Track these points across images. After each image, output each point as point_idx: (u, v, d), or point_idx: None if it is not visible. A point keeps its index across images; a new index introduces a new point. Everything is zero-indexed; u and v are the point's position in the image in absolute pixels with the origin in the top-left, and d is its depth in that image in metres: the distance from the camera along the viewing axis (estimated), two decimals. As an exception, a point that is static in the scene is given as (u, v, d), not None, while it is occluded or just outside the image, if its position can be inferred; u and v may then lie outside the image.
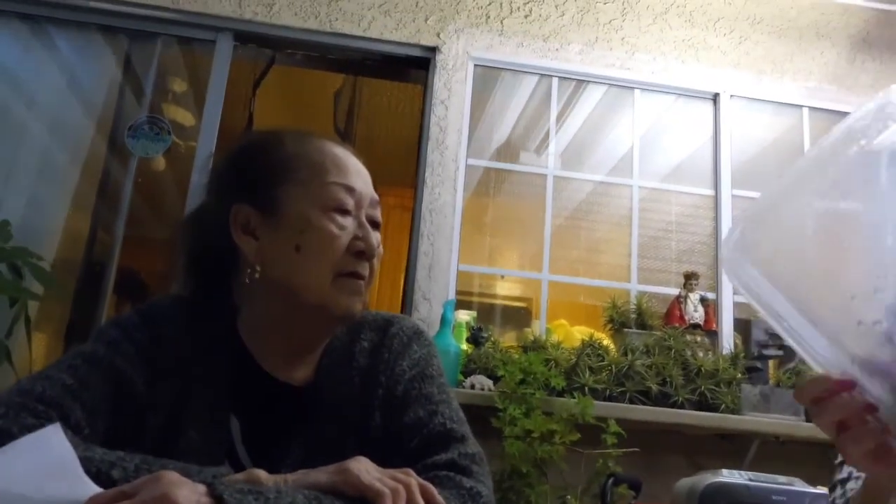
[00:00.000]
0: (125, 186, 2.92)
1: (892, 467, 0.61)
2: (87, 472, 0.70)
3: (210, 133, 2.89)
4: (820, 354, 0.63)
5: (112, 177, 3.05)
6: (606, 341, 2.65)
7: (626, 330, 2.66)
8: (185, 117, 3.31)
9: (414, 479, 0.74)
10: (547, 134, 3.28)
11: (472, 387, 2.38)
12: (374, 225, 0.98)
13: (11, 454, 0.65)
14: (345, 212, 0.95)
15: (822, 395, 0.64)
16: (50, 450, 0.65)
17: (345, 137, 3.88)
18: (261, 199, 0.95)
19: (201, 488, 0.62)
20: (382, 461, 0.78)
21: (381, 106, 4.11)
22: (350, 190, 0.96)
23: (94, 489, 0.64)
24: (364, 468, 0.73)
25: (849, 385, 0.62)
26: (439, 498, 0.75)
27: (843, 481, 0.95)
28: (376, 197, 1.00)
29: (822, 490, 1.85)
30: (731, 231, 0.67)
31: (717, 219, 3.14)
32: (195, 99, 3.34)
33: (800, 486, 1.91)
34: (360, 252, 0.94)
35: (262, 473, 0.73)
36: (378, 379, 0.97)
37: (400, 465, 0.78)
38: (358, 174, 0.98)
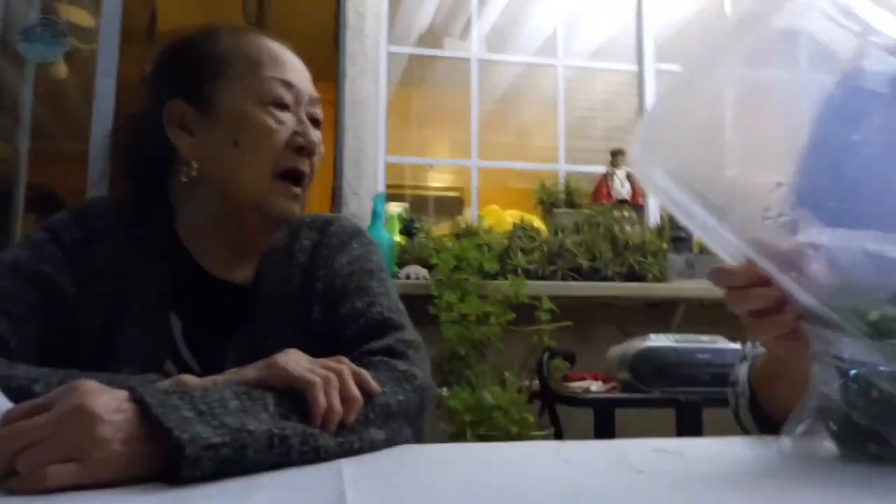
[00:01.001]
0: (24, 96, 2.74)
1: (798, 348, 0.64)
2: (8, 389, 0.68)
3: (111, 33, 2.70)
4: (729, 248, 0.64)
5: (8, 86, 2.85)
6: (537, 223, 2.69)
7: (556, 210, 2.70)
8: (82, 18, 3.07)
9: (346, 366, 0.74)
10: (469, 17, 3.18)
11: (408, 277, 2.40)
12: (315, 122, 0.96)
13: None
14: (283, 106, 0.92)
15: (737, 284, 0.66)
16: None
17: (260, 29, 3.68)
18: (196, 94, 0.92)
19: (122, 394, 0.61)
20: (322, 354, 0.77)
21: (294, -4, 3.90)
22: (288, 85, 0.93)
23: (6, 405, 0.62)
24: (293, 359, 0.73)
25: (765, 280, 0.63)
26: (372, 382, 0.76)
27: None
28: (316, 94, 0.98)
29: (740, 345, 1.96)
30: (636, 134, 0.67)
31: (641, 95, 3.15)
32: (92, -2, 3.10)
33: (721, 343, 2.02)
34: (300, 147, 0.93)
35: (190, 378, 0.72)
36: (317, 274, 0.98)
37: (337, 354, 0.79)
38: (296, 70, 0.96)
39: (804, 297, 0.61)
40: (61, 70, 3.05)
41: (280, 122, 0.92)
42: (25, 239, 0.92)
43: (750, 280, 0.65)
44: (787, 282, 0.61)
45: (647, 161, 0.66)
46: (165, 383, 0.71)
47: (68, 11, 2.97)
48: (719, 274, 0.67)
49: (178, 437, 0.57)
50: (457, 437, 2.03)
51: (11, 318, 0.82)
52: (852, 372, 0.58)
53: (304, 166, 0.94)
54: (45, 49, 2.72)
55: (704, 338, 2.02)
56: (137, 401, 0.61)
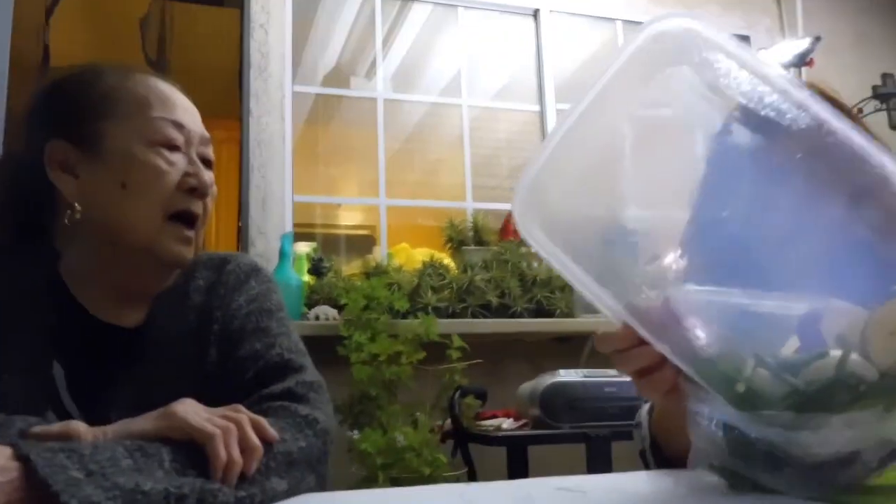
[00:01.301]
0: None
1: (679, 401, 0.67)
2: None
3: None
4: (610, 308, 0.66)
5: None
6: (447, 260, 2.70)
7: (464, 248, 2.73)
8: (-34, 53, 2.92)
9: (244, 415, 0.72)
10: (375, 57, 3.21)
11: (317, 318, 2.36)
12: (207, 163, 0.94)
13: None
14: (173, 147, 0.90)
15: (620, 348, 0.69)
16: None
17: (157, 68, 3.59)
18: (79, 134, 0.89)
19: (5, 451, 0.57)
20: (218, 399, 0.75)
21: (195, 32, 3.84)
22: (178, 125, 0.91)
23: None
24: (190, 409, 0.70)
25: (641, 340, 0.66)
26: (271, 430, 0.73)
27: None
28: (207, 135, 0.96)
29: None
30: (515, 195, 0.69)
31: (543, 133, 3.25)
32: (-23, 32, 2.95)
33: (628, 376, 2.07)
34: (192, 189, 0.90)
35: (80, 426, 0.68)
36: (213, 315, 0.94)
37: (237, 400, 0.76)
38: (185, 110, 0.93)
39: (677, 362, 0.63)
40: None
41: (170, 163, 0.89)
42: None
43: (630, 342, 0.68)
44: (660, 347, 0.64)
45: (526, 219, 0.67)
46: (55, 427, 0.68)
47: (-49, 46, 2.82)
48: (602, 340, 0.71)
49: (66, 503, 0.54)
50: (369, 480, 1.99)
51: None
52: (722, 433, 0.61)
53: (197, 208, 0.92)
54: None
55: (612, 371, 2.07)
56: (22, 458, 0.57)
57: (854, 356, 0.56)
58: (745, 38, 3.52)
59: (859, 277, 0.62)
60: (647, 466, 0.98)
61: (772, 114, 0.65)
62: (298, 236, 2.76)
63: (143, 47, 3.73)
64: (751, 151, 0.71)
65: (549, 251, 0.66)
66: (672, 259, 0.71)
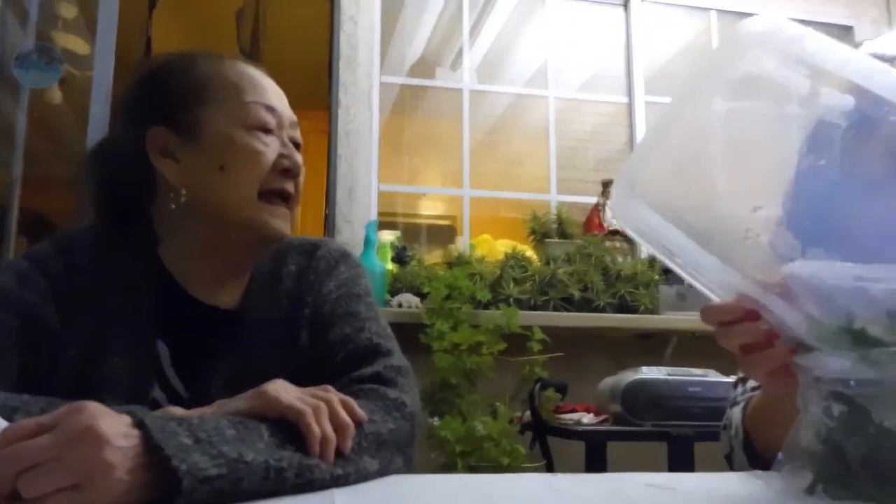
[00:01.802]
0: (19, 121, 2.74)
1: (789, 386, 0.64)
2: None
3: (106, 61, 2.72)
4: (716, 281, 0.65)
5: (2, 112, 2.85)
6: (529, 253, 2.70)
7: (547, 240, 2.71)
8: (77, 45, 3.08)
9: (334, 395, 0.74)
10: (461, 48, 3.22)
11: (400, 305, 2.39)
12: (296, 145, 0.98)
13: None
14: (267, 130, 0.93)
15: (727, 321, 0.67)
16: None
17: (251, 59, 3.69)
18: (178, 120, 0.93)
19: (125, 418, 0.60)
20: (310, 380, 0.77)
21: (287, 25, 3.94)
22: (270, 109, 0.94)
23: (5, 423, 0.60)
24: (282, 389, 0.72)
25: (754, 315, 0.64)
26: (360, 410, 0.75)
27: (745, 378, 1.01)
28: (295, 118, 0.99)
29: (734, 379, 1.97)
30: (619, 174, 0.69)
31: (631, 126, 3.19)
32: (87, 25, 3.12)
33: (714, 376, 2.02)
34: (286, 169, 0.94)
35: (176, 409, 0.71)
36: (305, 299, 0.97)
37: (328, 381, 0.78)
38: (276, 94, 0.97)
39: (791, 324, 0.61)
40: (56, 96, 3.06)
41: (265, 144, 0.92)
42: (8, 267, 0.92)
43: (738, 315, 0.66)
44: (774, 310, 0.62)
45: (629, 197, 0.67)
46: (156, 413, 0.70)
47: (64, 39, 2.98)
48: (709, 311, 0.68)
49: (177, 468, 0.57)
50: (447, 467, 2.02)
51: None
52: (828, 388, 0.59)
53: (290, 187, 0.95)
54: (40, 75, 2.72)
55: (696, 371, 2.02)
56: (139, 425, 0.60)
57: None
58: (848, 29, 3.36)
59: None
60: (732, 469, 0.96)
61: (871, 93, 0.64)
62: (382, 225, 2.81)
63: (238, 39, 3.85)
64: (848, 131, 0.70)
65: (650, 221, 0.66)
66: (783, 234, 0.69)
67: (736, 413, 0.97)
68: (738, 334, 0.67)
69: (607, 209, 2.84)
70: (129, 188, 0.97)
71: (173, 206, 0.92)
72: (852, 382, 0.58)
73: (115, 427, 0.58)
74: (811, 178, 0.69)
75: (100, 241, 0.95)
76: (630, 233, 0.69)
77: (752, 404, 0.93)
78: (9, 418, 0.68)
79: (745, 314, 0.65)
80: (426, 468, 2.07)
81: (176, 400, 0.91)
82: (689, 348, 2.60)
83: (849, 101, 0.68)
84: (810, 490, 0.61)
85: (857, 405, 0.58)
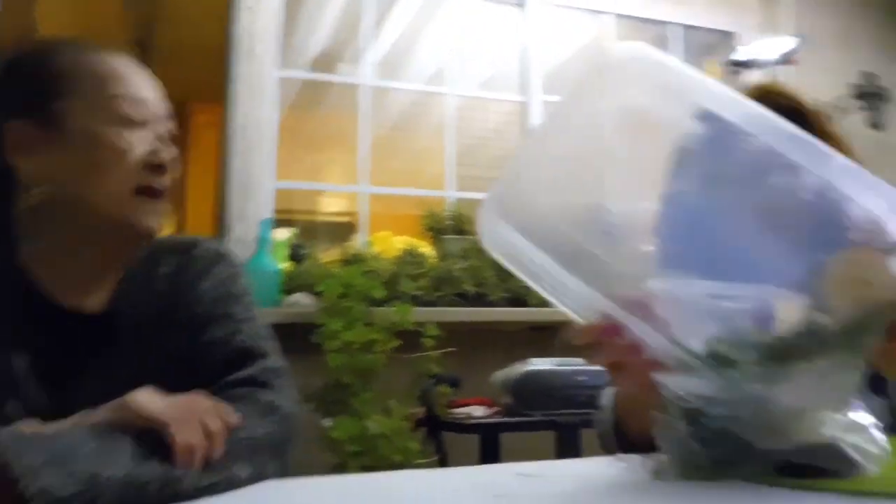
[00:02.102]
0: None
1: (654, 394, 0.67)
2: None
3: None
4: (579, 302, 0.69)
5: None
6: (426, 249, 2.72)
7: (444, 237, 2.74)
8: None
9: (204, 401, 0.73)
10: (363, 44, 3.20)
11: (293, 305, 2.37)
12: (169, 139, 0.93)
13: None
14: (136, 125, 0.89)
15: (592, 342, 0.70)
16: None
17: (144, 48, 3.57)
18: (38, 114, 0.87)
19: None
20: (184, 386, 0.76)
21: (183, 12, 3.81)
22: (140, 102, 0.90)
23: None
24: (147, 398, 0.71)
25: (615, 330, 0.67)
26: (233, 415, 0.74)
27: None
28: (168, 110, 0.95)
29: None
30: (486, 198, 0.71)
31: (528, 124, 3.25)
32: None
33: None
34: (156, 165, 0.90)
35: (31, 425, 0.68)
36: (179, 301, 0.94)
37: (203, 385, 0.77)
38: (147, 87, 0.93)
39: (651, 345, 0.65)
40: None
41: (133, 140, 0.89)
42: None
43: (598, 335, 0.69)
44: (634, 330, 0.66)
45: (496, 221, 0.70)
46: (6, 431, 0.66)
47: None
48: (576, 331, 0.72)
49: (33, 489, 0.55)
50: (340, 468, 2.01)
51: None
52: (687, 406, 0.63)
53: (161, 183, 0.91)
54: None
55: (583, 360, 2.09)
56: None
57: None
58: (729, 35, 3.53)
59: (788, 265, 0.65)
60: (605, 450, 1.00)
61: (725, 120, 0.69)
62: (279, 223, 2.76)
63: (130, 28, 3.70)
64: (705, 150, 0.74)
65: (515, 243, 0.69)
66: (647, 249, 0.73)
67: (607, 395, 1.01)
68: (604, 354, 0.70)
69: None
70: None
71: (31, 205, 0.87)
72: (707, 402, 0.62)
73: None
74: (674, 202, 0.73)
75: None
76: (496, 256, 0.71)
77: (617, 392, 0.97)
78: None
79: (604, 332, 0.68)
80: (318, 471, 2.05)
81: (35, 413, 0.87)
82: (580, 340, 2.68)
83: (707, 127, 0.71)
84: (660, 472, 0.66)
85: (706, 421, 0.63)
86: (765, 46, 3.10)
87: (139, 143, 0.89)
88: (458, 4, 3.27)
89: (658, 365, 0.66)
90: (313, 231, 3.46)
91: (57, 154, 0.87)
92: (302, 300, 2.37)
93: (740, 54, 3.09)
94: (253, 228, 2.58)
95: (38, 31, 3.34)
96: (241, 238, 2.60)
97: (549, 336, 2.68)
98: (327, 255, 2.81)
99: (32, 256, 0.90)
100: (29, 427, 0.68)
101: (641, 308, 0.66)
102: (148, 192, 0.90)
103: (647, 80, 0.73)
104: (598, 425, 1.04)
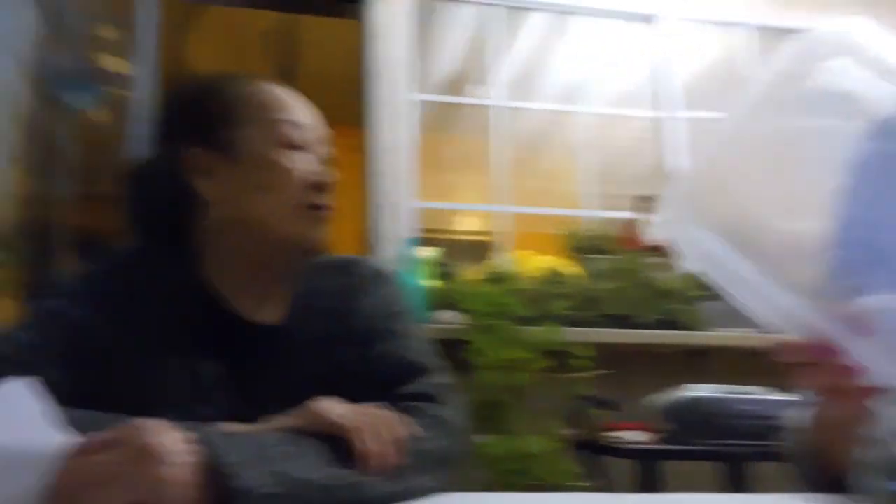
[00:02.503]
0: (65, 141, 2.79)
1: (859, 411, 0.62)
2: None
3: (146, 81, 2.77)
4: (788, 317, 0.62)
5: (50, 132, 2.90)
6: (570, 268, 2.67)
7: (588, 256, 2.69)
8: (120, 65, 3.14)
9: (381, 412, 0.75)
10: (494, 65, 3.22)
11: (440, 322, 2.38)
12: (328, 161, 0.99)
13: None
14: (299, 147, 0.95)
15: (803, 361, 0.64)
16: (18, 400, 0.61)
17: (285, 77, 3.73)
18: (215, 141, 0.94)
19: (181, 434, 0.61)
20: (352, 396, 0.77)
21: (320, 43, 3.98)
22: (302, 127, 0.96)
23: (72, 439, 0.61)
24: (331, 405, 0.73)
25: (831, 350, 0.61)
26: (407, 427, 0.76)
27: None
28: (326, 133, 1.01)
29: (785, 396, 1.93)
30: (669, 194, 0.65)
31: (662, 141, 3.17)
32: (128, 46, 3.17)
33: (763, 394, 1.98)
34: (319, 184, 0.95)
35: (230, 425, 0.72)
36: (344, 317, 0.98)
37: (369, 398, 0.79)
38: (307, 112, 0.99)
39: (873, 360, 0.59)
40: (100, 115, 3.11)
41: (298, 162, 0.94)
42: (61, 287, 0.93)
43: (815, 356, 0.63)
44: (858, 354, 0.59)
45: (683, 220, 0.64)
46: (209, 428, 0.70)
47: (106, 59, 3.03)
48: (787, 349, 0.66)
49: (236, 486, 0.58)
50: (492, 486, 1.99)
51: (49, 363, 0.83)
52: None
53: (323, 201, 0.96)
54: (84, 95, 2.77)
55: (747, 388, 1.99)
56: (196, 442, 0.61)
57: None
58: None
59: None
60: (797, 476, 0.92)
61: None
62: (421, 241, 2.80)
63: (273, 58, 3.89)
64: None
65: (708, 246, 0.63)
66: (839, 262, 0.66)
67: (799, 414, 0.94)
68: (816, 377, 0.64)
69: (645, 225, 2.81)
70: (168, 207, 0.98)
71: (211, 224, 0.94)
72: None
73: (174, 444, 0.59)
74: (865, 203, 0.67)
75: (145, 261, 0.96)
76: (685, 260, 0.66)
77: (818, 409, 0.89)
78: (71, 433, 0.69)
79: (819, 351, 0.62)
80: (470, 487, 2.04)
81: (222, 417, 0.91)
82: (736, 365, 2.56)
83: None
84: None
85: None
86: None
87: (304, 165, 0.94)
88: (585, 23, 3.24)
89: (877, 392, 0.60)
90: (453, 249, 3.48)
91: (232, 176, 0.93)
92: (448, 317, 2.38)
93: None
94: (397, 248, 2.63)
95: (190, 67, 3.56)
96: (387, 257, 2.64)
97: (703, 361, 2.59)
98: (469, 273, 2.82)
99: (213, 271, 0.96)
100: (229, 427, 0.71)
101: (861, 326, 0.59)
102: (314, 209, 0.95)
103: (858, 62, 0.66)
104: (788, 447, 0.96)
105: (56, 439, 0.60)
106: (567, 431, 2.13)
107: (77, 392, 0.82)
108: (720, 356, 2.59)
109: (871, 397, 0.62)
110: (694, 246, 0.64)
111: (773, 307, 0.63)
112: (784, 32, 3.30)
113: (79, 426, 0.69)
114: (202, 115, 0.96)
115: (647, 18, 3.23)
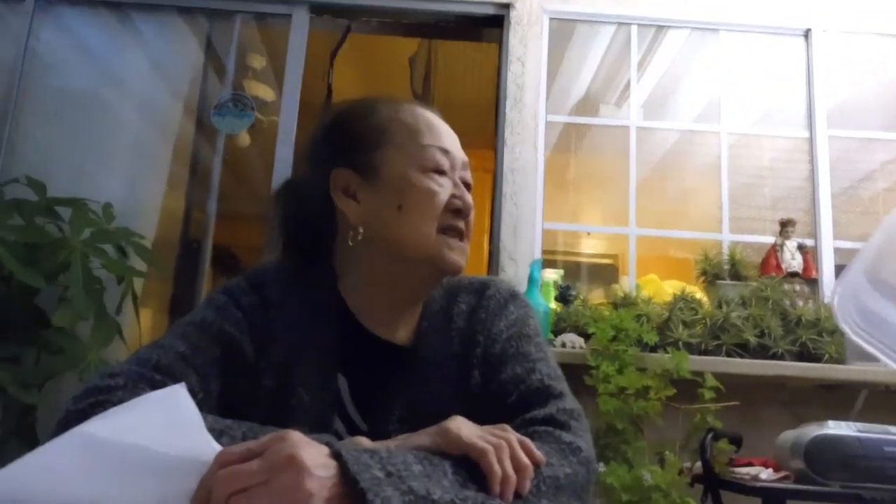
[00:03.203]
0: (215, 164, 3.02)
1: None
2: None
3: (291, 107, 2.94)
4: None
5: (201, 155, 3.15)
6: (699, 294, 2.58)
7: (719, 282, 2.59)
8: (266, 92, 3.38)
9: (513, 435, 0.75)
10: (627, 84, 3.18)
11: (563, 345, 2.37)
12: (466, 185, 1.01)
13: (139, 409, 0.66)
14: (441, 172, 0.97)
15: None
16: (176, 407, 0.66)
17: (424, 102, 3.85)
18: (360, 162, 0.98)
19: (323, 448, 0.64)
20: (482, 419, 0.78)
21: (457, 67, 4.08)
22: (445, 152, 0.98)
23: (219, 447, 0.66)
24: (463, 427, 0.74)
25: None
26: (538, 452, 0.75)
27: None
28: (466, 159, 1.03)
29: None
30: (856, 263, 0.63)
31: (812, 161, 2.99)
32: (275, 74, 3.40)
33: (912, 436, 1.83)
34: (458, 209, 0.97)
35: (364, 440, 0.75)
36: (476, 339, 0.99)
37: (499, 421, 0.79)
38: (450, 137, 1.02)
39: None
40: (244, 139, 3.35)
41: (440, 185, 0.96)
42: (208, 301, 0.98)
43: None
44: None
45: (866, 293, 0.62)
46: (346, 443, 0.73)
47: (255, 87, 3.27)
48: None
49: (371, 501, 0.59)
50: (611, 515, 1.95)
51: (199, 373, 0.87)
52: None
53: (462, 225, 0.98)
54: (234, 121, 2.99)
55: (893, 429, 1.84)
56: (336, 456, 0.63)
57: None
58: None
59: None
60: None
61: None
62: (544, 263, 2.80)
63: (412, 82, 4.03)
64: None
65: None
66: None
67: None
68: None
69: (786, 249, 2.67)
70: (311, 225, 1.03)
71: (352, 244, 0.97)
72: None
73: (315, 457, 0.62)
74: None
75: (287, 277, 1.01)
76: (860, 337, 0.64)
77: None
78: (217, 440, 0.75)
79: None
80: (589, 514, 2.02)
81: (355, 432, 0.94)
82: (881, 403, 2.38)
83: None
84: None
85: None
86: None
87: (444, 188, 0.96)
88: (731, 37, 3.13)
89: None
90: (575, 272, 3.45)
91: (374, 197, 0.97)
92: (571, 341, 2.36)
93: None
94: (523, 268, 2.64)
95: (333, 91, 3.75)
96: (512, 277, 2.67)
97: (843, 397, 2.43)
98: (591, 296, 2.79)
99: (352, 290, 1.00)
100: (364, 442, 0.74)
101: None
102: (453, 232, 0.97)
103: None
104: None
105: (209, 446, 0.64)
106: (689, 464, 2.06)
107: (225, 402, 0.89)
108: (863, 393, 2.41)
109: None
110: (872, 318, 0.63)
111: None
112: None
113: (226, 434, 0.75)
114: (349, 138, 1.01)
115: (803, 33, 3.08)
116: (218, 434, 0.75)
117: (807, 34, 3.08)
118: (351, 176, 0.98)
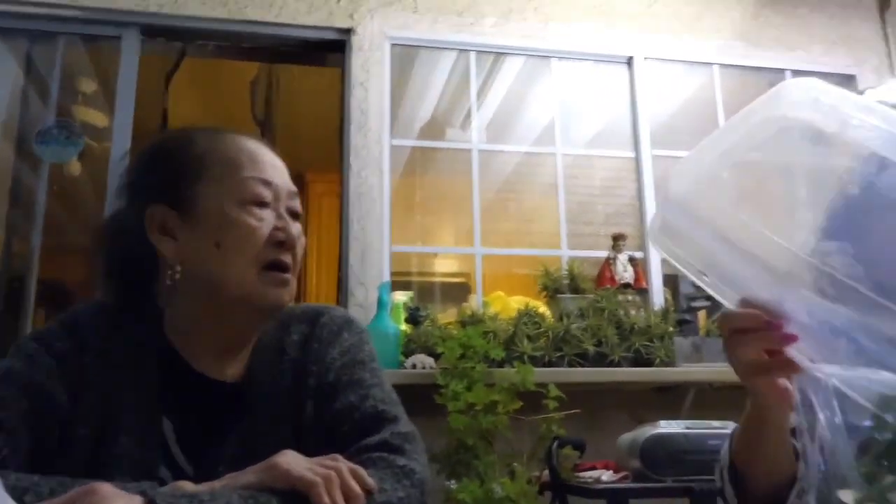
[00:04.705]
0: (38, 194, 2.81)
1: (785, 398, 0.66)
2: None
3: (124, 133, 2.80)
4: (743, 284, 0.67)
5: (24, 185, 2.93)
6: (543, 309, 2.70)
7: (560, 296, 2.71)
8: (96, 118, 3.19)
9: (343, 464, 0.75)
10: (470, 109, 3.28)
11: (414, 366, 2.39)
12: (294, 216, 0.98)
13: None
14: (262, 204, 0.94)
15: (746, 327, 0.68)
16: None
17: (265, 126, 3.80)
18: (176, 198, 0.94)
19: (136, 499, 0.61)
20: (317, 451, 0.78)
21: (300, 91, 4.05)
22: (266, 183, 0.95)
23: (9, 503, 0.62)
24: (292, 460, 0.73)
25: (776, 326, 0.65)
26: (369, 479, 0.76)
27: None
28: (294, 188, 1.00)
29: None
30: (666, 178, 0.71)
31: (639, 180, 3.22)
32: (107, 99, 3.22)
33: (733, 428, 1.99)
34: (281, 242, 0.94)
35: (187, 485, 0.72)
36: (309, 369, 0.97)
37: (336, 451, 0.79)
38: (273, 167, 0.98)
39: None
40: (74, 168, 3.14)
41: (260, 219, 0.93)
42: (17, 349, 0.91)
43: (753, 324, 0.66)
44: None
45: (668, 208, 0.70)
46: (165, 489, 0.71)
47: (85, 113, 3.08)
48: (724, 317, 0.69)
49: None
50: (466, 531, 1.98)
51: (4, 428, 0.82)
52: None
53: (287, 258, 0.95)
54: (60, 150, 2.81)
55: (716, 423, 2.00)
56: None
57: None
58: (850, 78, 3.40)
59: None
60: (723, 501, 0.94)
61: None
62: (396, 285, 2.82)
63: (253, 107, 3.95)
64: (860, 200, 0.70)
65: (691, 238, 0.68)
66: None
67: (724, 444, 0.96)
68: (748, 343, 0.68)
69: (618, 262, 2.84)
70: (133, 263, 0.98)
71: (170, 282, 0.93)
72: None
73: None
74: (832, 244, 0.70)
75: (106, 318, 0.96)
76: (658, 249, 0.71)
77: (737, 428, 0.91)
78: (19, 499, 0.69)
79: (765, 325, 0.66)
80: (445, 532, 2.04)
81: (181, 477, 0.89)
82: (707, 400, 2.58)
83: (867, 168, 0.68)
84: None
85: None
86: (890, 88, 2.96)
87: (265, 222, 0.94)
88: (562, 65, 3.31)
89: (795, 369, 0.63)
90: (430, 292, 3.50)
91: (191, 235, 0.93)
92: (422, 361, 2.39)
93: (868, 96, 2.96)
94: (373, 292, 2.65)
95: (168, 116, 3.61)
96: (362, 301, 2.67)
97: (675, 397, 2.61)
98: (444, 316, 2.84)
99: (175, 329, 0.96)
100: (187, 486, 0.71)
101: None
102: (275, 267, 0.94)
103: (822, 108, 0.71)
104: (717, 477, 0.97)
105: None
106: (538, 473, 2.13)
107: (39, 456, 0.83)
108: (691, 391, 2.61)
109: (790, 373, 0.65)
110: (670, 234, 0.70)
111: (735, 287, 0.67)
112: (760, 70, 3.39)
113: (31, 492, 0.70)
114: (164, 172, 0.96)
115: (625, 60, 3.31)
116: (22, 492, 0.70)
117: (629, 61, 3.32)
118: (167, 212, 0.94)
